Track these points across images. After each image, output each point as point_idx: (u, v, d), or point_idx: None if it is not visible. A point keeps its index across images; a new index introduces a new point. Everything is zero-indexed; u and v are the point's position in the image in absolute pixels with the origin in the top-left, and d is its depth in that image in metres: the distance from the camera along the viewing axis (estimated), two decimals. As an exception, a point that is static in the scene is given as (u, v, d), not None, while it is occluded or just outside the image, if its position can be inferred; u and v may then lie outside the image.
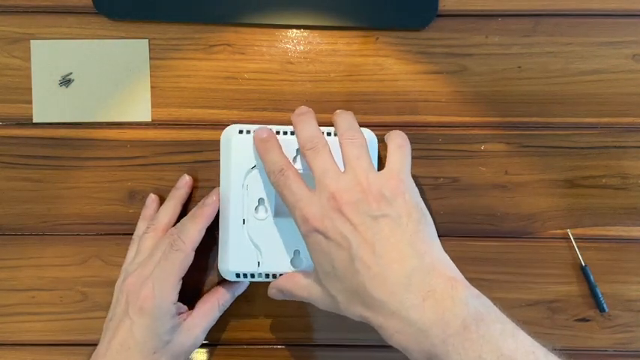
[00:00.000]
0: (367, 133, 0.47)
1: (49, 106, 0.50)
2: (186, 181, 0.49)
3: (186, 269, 0.45)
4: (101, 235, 0.51)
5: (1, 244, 0.51)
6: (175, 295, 0.44)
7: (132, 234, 0.50)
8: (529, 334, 0.37)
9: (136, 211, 0.51)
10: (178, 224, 0.46)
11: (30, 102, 0.50)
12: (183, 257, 0.44)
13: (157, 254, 0.45)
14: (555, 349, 0.37)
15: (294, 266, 0.46)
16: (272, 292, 0.46)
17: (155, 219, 0.48)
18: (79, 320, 0.51)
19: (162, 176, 0.51)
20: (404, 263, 0.38)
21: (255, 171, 0.46)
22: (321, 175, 0.42)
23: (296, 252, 0.46)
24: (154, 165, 0.51)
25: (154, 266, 0.44)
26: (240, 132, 0.46)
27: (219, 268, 0.48)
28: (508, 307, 0.51)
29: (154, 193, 0.50)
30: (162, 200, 0.50)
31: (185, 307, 0.46)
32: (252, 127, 0.46)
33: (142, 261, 0.46)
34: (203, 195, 0.50)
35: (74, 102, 0.50)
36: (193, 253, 0.45)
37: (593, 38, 0.50)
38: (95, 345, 0.46)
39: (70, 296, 0.51)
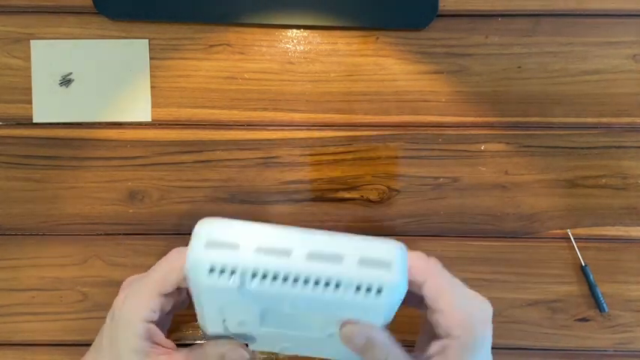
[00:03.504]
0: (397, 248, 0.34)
1: (49, 106, 0.50)
2: None
3: (171, 286, 0.38)
4: (101, 235, 0.51)
5: (1, 244, 0.51)
6: (147, 313, 0.38)
7: (132, 234, 0.50)
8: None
9: (135, 211, 0.51)
10: None
11: (30, 102, 0.50)
12: (166, 269, 0.38)
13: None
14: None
15: (283, 351, 0.41)
16: (359, 340, 0.35)
17: None
18: (79, 320, 0.51)
19: (162, 176, 0.51)
20: None
21: (233, 303, 0.34)
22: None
23: (286, 347, 0.40)
24: (154, 165, 0.51)
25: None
26: (212, 271, 0.33)
27: (199, 324, 0.40)
28: (508, 307, 0.51)
29: (154, 193, 0.50)
30: (162, 201, 0.50)
31: (168, 343, 0.39)
32: (229, 261, 0.32)
33: None
34: (203, 195, 0.50)
35: (74, 102, 0.50)
36: (182, 273, 0.37)
37: (593, 38, 0.50)
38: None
39: (70, 296, 0.51)
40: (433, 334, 0.38)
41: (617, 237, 0.52)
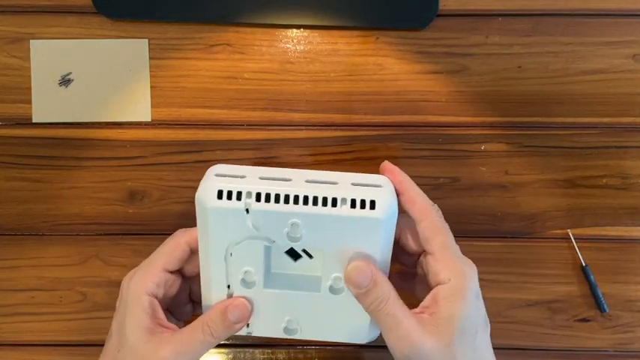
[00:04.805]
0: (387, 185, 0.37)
1: (48, 105, 0.50)
2: None
3: (176, 262, 0.39)
4: (101, 235, 0.51)
5: (1, 244, 0.51)
6: (151, 286, 0.37)
7: (132, 234, 0.50)
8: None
9: (135, 211, 0.51)
10: None
11: (30, 102, 0.50)
12: (171, 245, 0.39)
13: None
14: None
15: (287, 334, 0.40)
16: (363, 278, 0.36)
17: None
18: (79, 320, 0.51)
19: (162, 176, 0.51)
20: None
21: (242, 244, 0.37)
22: None
23: (289, 321, 0.39)
24: (154, 165, 0.51)
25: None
26: (220, 196, 0.35)
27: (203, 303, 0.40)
28: (508, 307, 0.51)
29: (154, 193, 0.50)
30: (161, 201, 0.50)
31: (170, 324, 0.38)
32: (235, 186, 0.35)
33: None
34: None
35: (74, 102, 0.50)
36: (187, 248, 0.39)
37: (593, 38, 0.50)
38: (95, 345, 0.45)
39: (70, 296, 0.51)
40: (427, 286, 0.38)
41: (617, 237, 0.52)
